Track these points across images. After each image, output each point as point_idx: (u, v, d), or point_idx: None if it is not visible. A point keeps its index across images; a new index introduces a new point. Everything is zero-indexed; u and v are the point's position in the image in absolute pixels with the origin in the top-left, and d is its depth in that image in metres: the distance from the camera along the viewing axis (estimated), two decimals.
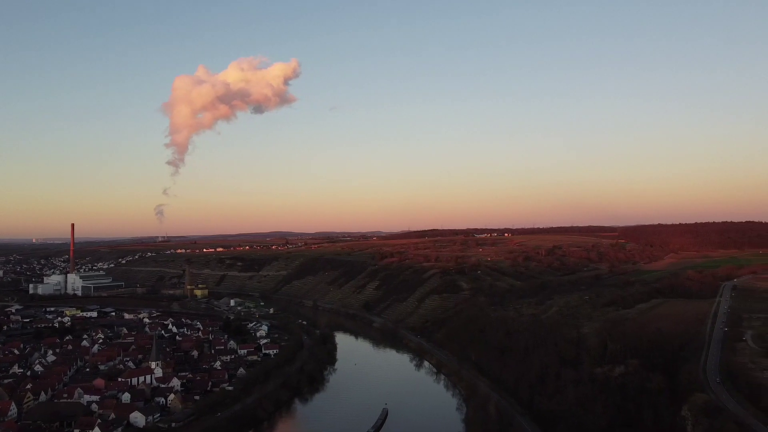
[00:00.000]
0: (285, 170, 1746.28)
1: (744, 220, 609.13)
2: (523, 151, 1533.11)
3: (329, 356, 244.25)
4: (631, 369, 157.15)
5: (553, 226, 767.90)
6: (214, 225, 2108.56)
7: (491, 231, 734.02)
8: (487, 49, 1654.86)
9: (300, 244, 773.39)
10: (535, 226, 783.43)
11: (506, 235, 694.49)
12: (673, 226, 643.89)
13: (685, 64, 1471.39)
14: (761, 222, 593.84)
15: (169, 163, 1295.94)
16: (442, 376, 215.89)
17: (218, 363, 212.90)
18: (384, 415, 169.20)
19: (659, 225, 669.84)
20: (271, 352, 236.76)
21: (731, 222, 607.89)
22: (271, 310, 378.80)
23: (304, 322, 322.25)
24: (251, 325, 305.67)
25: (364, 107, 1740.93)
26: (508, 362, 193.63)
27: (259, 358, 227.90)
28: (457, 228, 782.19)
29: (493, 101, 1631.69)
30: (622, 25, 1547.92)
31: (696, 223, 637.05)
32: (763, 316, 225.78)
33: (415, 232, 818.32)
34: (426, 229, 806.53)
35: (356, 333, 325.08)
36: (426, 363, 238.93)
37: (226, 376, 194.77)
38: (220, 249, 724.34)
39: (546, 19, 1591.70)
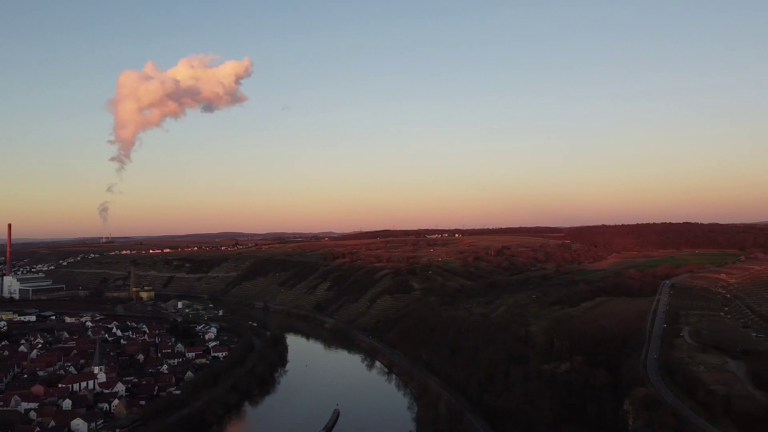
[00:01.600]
0: (235, 170, 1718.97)
1: (682, 221, 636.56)
2: (473, 153, 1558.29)
3: (280, 358, 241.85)
4: (576, 365, 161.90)
5: (503, 226, 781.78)
6: (161, 225, 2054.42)
7: (442, 232, 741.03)
8: (441, 50, 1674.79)
9: (250, 245, 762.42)
10: (485, 227, 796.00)
11: (457, 235, 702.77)
12: (616, 227, 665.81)
13: (627, 65, 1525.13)
14: (697, 223, 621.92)
15: (113, 159, 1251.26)
16: (394, 376, 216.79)
17: (165, 367, 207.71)
18: (335, 416, 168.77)
19: (603, 226, 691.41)
20: (220, 354, 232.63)
21: (670, 223, 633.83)
22: (221, 312, 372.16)
23: (255, 324, 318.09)
24: (200, 327, 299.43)
25: (316, 108, 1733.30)
26: (458, 361, 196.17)
27: (207, 361, 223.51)
28: (408, 228, 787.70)
29: (445, 103, 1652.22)
30: (568, 26, 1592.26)
31: (637, 224, 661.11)
32: (699, 312, 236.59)
33: (367, 232, 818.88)
34: (378, 229, 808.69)
35: (308, 334, 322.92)
36: (378, 363, 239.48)
37: (174, 380, 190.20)
38: (167, 250, 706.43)
39: (494, 18, 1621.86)
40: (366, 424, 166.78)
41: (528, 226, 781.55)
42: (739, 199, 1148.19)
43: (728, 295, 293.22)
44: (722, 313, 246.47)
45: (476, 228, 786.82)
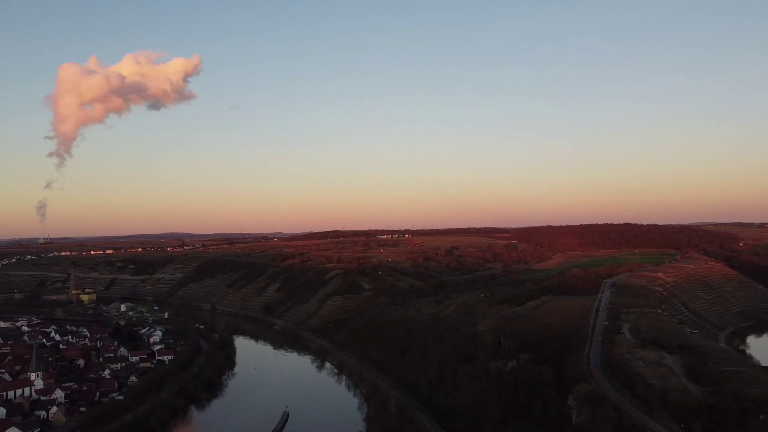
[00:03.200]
0: (181, 169, 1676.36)
1: (622, 222, 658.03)
2: (423, 154, 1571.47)
3: (228, 361, 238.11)
4: (522, 363, 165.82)
5: (452, 227, 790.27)
6: (103, 226, 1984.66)
7: (392, 232, 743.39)
8: (394, 50, 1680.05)
9: (197, 246, 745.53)
10: (435, 228, 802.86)
11: (407, 236, 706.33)
12: (560, 227, 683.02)
13: (568, 69, 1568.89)
14: (637, 224, 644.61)
15: (52, 154, 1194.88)
16: (344, 377, 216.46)
17: (107, 372, 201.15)
18: (285, 418, 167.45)
19: (548, 227, 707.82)
20: (165, 358, 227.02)
21: (611, 224, 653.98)
22: (166, 315, 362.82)
23: (202, 327, 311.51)
24: (144, 330, 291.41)
25: (267, 107, 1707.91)
26: (408, 360, 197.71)
27: (152, 365, 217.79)
28: (359, 229, 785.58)
29: (395, 104, 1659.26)
30: (514, 25, 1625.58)
31: (581, 224, 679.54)
32: (638, 310, 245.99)
33: (317, 233, 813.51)
34: (328, 230, 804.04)
35: (257, 336, 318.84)
36: (328, 364, 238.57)
37: (116, 385, 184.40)
38: (109, 251, 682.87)
39: (448, 17, 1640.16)
40: (316, 425, 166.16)
41: (476, 226, 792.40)
42: (676, 201, 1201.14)
43: (665, 293, 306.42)
44: (659, 310, 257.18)
45: (426, 228, 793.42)
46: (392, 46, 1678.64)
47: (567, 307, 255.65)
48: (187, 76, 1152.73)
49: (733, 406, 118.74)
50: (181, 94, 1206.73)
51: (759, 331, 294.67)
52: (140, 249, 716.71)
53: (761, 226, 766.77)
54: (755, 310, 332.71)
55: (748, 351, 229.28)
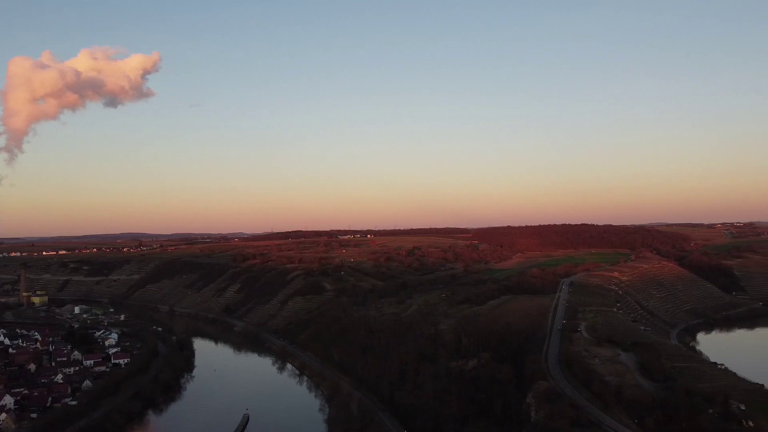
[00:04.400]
0: (138, 167, 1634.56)
1: (579, 223, 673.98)
2: (384, 154, 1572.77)
3: (187, 363, 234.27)
4: (483, 362, 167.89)
5: (413, 227, 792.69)
6: (55, 225, 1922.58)
7: (354, 232, 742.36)
8: (354, 50, 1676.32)
9: (155, 246, 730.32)
10: (397, 228, 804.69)
11: (369, 236, 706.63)
12: (520, 228, 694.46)
13: (528, 69, 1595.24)
14: (593, 224, 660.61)
15: (1, 149, 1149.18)
16: (305, 378, 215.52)
17: (60, 376, 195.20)
18: (245, 421, 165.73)
19: (508, 227, 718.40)
20: (121, 361, 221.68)
21: (569, 224, 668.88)
22: (122, 317, 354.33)
23: (159, 329, 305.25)
24: (99, 333, 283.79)
25: (227, 106, 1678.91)
26: (370, 360, 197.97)
27: (108, 369, 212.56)
28: (321, 229, 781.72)
29: (356, 104, 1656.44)
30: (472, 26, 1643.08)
31: (540, 225, 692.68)
32: (595, 308, 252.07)
33: (278, 233, 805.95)
34: (290, 230, 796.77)
35: (216, 338, 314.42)
36: (289, 365, 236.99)
37: (70, 390, 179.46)
38: (62, 252, 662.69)
39: (404, 16, 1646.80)
40: (277, 427, 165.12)
41: (438, 227, 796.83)
42: (631, 202, 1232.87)
43: (620, 292, 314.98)
44: (615, 309, 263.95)
45: (388, 229, 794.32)
46: (355, 45, 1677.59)
47: (526, 306, 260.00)
48: (145, 73, 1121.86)
49: (684, 401, 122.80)
50: (139, 92, 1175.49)
51: (708, 328, 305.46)
52: (95, 250, 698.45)
53: (710, 226, 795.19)
54: (705, 308, 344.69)
55: (698, 347, 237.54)
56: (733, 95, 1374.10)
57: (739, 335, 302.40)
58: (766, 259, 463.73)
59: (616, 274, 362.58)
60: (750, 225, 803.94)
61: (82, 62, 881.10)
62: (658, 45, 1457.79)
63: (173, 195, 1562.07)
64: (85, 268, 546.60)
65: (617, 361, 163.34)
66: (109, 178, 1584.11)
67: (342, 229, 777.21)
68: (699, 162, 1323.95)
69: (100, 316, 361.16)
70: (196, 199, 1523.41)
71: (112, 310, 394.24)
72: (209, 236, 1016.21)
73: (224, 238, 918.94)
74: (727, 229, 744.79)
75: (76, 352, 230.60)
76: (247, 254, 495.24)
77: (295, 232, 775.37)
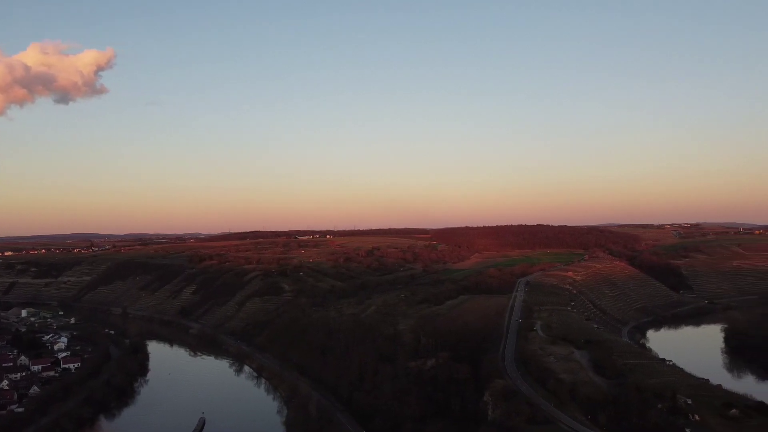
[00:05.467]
0: (91, 166, 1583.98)
1: (535, 224, 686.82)
2: (343, 155, 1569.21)
3: (140, 367, 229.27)
4: (441, 361, 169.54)
5: (373, 228, 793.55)
6: (1, 225, 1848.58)
7: (313, 233, 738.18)
8: (314, 49, 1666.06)
9: (107, 247, 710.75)
10: (356, 228, 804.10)
11: (328, 236, 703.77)
12: (477, 228, 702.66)
13: (487, 67, 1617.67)
14: (549, 225, 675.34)
15: None
16: (263, 380, 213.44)
17: (5, 382, 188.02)
18: (201, 425, 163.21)
19: (466, 227, 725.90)
20: (71, 366, 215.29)
21: (525, 225, 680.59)
22: (73, 320, 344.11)
23: (112, 332, 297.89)
24: (48, 337, 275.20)
25: (185, 105, 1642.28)
26: (329, 361, 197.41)
27: (57, 374, 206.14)
28: (279, 230, 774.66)
29: (314, 104, 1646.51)
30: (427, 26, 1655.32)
31: (497, 226, 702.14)
32: (550, 307, 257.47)
33: (235, 233, 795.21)
34: (248, 230, 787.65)
35: (172, 340, 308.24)
36: (246, 367, 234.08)
37: (16, 397, 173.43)
38: (9, 253, 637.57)
39: (364, 17, 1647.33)
40: (234, 430, 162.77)
41: (397, 227, 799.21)
42: (584, 203, 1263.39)
43: (574, 291, 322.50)
44: (569, 308, 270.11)
45: (347, 229, 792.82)
46: (317, 45, 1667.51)
47: (484, 305, 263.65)
48: (99, 70, 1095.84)
49: (635, 397, 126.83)
50: (92, 88, 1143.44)
51: (657, 326, 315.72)
52: (44, 251, 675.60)
53: (660, 227, 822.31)
54: (654, 306, 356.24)
55: (647, 344, 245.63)
56: (682, 102, 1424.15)
57: (686, 332, 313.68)
58: (712, 258, 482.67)
59: (570, 273, 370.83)
60: (697, 226, 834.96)
61: (31, 56, 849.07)
62: (614, 45, 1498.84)
63: (127, 195, 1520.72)
64: (33, 269, 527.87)
65: (571, 358, 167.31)
66: (59, 176, 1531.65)
67: (301, 229, 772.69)
68: (650, 165, 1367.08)
69: (48, 320, 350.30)
70: (151, 199, 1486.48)
71: (61, 313, 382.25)
72: (164, 237, 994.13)
73: (180, 239, 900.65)
74: (675, 230, 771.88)
75: (23, 357, 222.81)
76: (204, 255, 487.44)
77: (253, 232, 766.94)
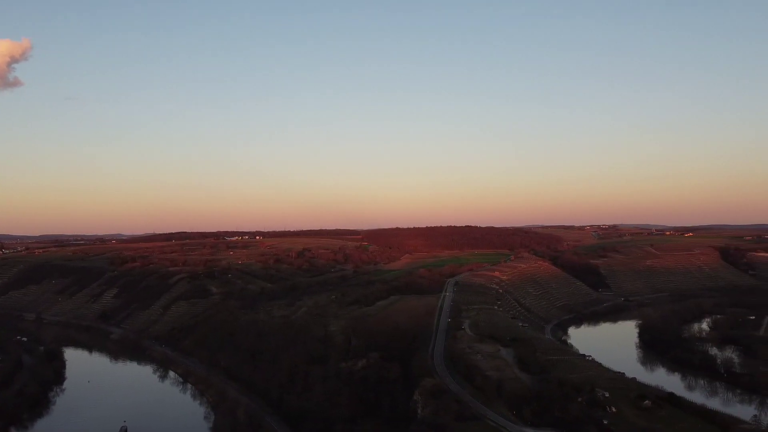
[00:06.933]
0: (1, 163, 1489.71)
1: (464, 225, 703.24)
2: (273, 154, 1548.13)
3: (56, 375, 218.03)
4: (372, 362, 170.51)
5: (304, 229, 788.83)
6: None
7: (243, 234, 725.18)
8: (242, 45, 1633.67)
9: (20, 249, 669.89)
10: (287, 229, 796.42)
11: (258, 237, 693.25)
12: (408, 229, 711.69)
13: (414, 67, 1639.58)
14: (477, 226, 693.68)
15: None
16: (190, 386, 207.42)
17: None
18: None
19: (397, 228, 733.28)
20: None
21: (454, 226, 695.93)
22: None
23: (25, 339, 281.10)
24: None
25: (106, 100, 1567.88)
26: (258, 365, 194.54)
27: None
28: (207, 230, 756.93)
29: (244, 102, 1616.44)
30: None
31: (427, 227, 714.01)
32: (478, 306, 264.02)
33: (160, 234, 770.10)
34: (173, 231, 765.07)
35: (91, 347, 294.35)
36: (172, 373, 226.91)
37: None
38: None
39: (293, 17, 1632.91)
40: None
41: (328, 228, 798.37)
42: (511, 205, 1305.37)
43: (501, 291, 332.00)
44: (496, 307, 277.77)
45: (277, 230, 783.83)
46: (246, 40, 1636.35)
47: (414, 306, 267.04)
48: (13, 61, 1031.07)
49: (557, 392, 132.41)
50: (4, 80, 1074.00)
51: (578, 323, 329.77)
52: None
53: (581, 228, 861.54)
54: (575, 304, 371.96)
55: (569, 341, 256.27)
56: (600, 110, 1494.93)
57: (605, 328, 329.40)
58: (628, 258, 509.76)
59: (497, 273, 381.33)
60: (614, 227, 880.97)
61: None
62: (538, 46, 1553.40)
63: (42, 193, 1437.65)
64: None
65: (498, 356, 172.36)
66: None
67: (229, 230, 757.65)
68: (572, 169, 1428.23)
69: None
70: (69, 198, 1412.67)
71: None
72: (83, 238, 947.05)
73: (100, 240, 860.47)
74: (594, 231, 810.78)
75: None
76: (126, 257, 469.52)
77: (179, 233, 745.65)
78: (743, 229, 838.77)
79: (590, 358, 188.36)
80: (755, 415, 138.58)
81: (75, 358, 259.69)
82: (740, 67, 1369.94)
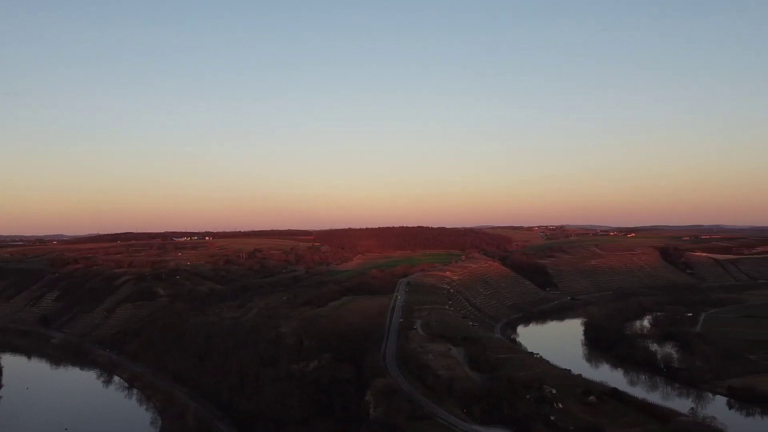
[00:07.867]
0: None
1: (416, 225, 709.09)
2: (224, 154, 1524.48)
3: None
4: (324, 363, 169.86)
5: (255, 229, 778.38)
6: None
7: (191, 234, 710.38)
8: (201, 44, 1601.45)
9: None
10: (237, 230, 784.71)
11: (207, 238, 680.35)
12: (360, 230, 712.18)
13: (364, 68, 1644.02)
14: (429, 227, 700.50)
15: None
16: (136, 390, 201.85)
17: None
18: None
19: (349, 229, 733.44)
20: None
21: (406, 227, 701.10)
22: None
23: None
24: None
25: (49, 95, 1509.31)
26: (207, 368, 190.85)
27: None
28: (153, 231, 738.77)
29: (195, 102, 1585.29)
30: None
31: (379, 227, 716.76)
32: (429, 306, 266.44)
33: (105, 235, 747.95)
34: (118, 232, 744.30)
35: (30, 352, 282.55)
36: (117, 378, 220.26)
37: None
38: None
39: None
40: None
41: (280, 228, 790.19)
42: (462, 206, 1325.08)
43: (452, 290, 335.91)
44: (447, 306, 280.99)
45: (228, 231, 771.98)
46: (194, 39, 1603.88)
47: (367, 306, 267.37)
48: None
49: (506, 389, 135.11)
50: None
51: (527, 322, 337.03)
52: None
53: (529, 229, 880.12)
54: (524, 303, 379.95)
55: (518, 339, 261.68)
56: (548, 115, 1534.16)
57: (552, 327, 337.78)
58: (574, 258, 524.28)
59: (448, 273, 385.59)
60: (561, 228, 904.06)
61: None
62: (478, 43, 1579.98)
63: None
64: None
65: (449, 355, 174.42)
66: None
67: (177, 230, 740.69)
68: (519, 171, 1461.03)
69: None
70: (5, 197, 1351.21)
71: None
72: (22, 239, 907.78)
73: (40, 241, 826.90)
74: (542, 231, 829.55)
75: None
76: (68, 258, 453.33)
77: (124, 234, 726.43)
78: (681, 229, 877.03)
79: (538, 356, 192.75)
80: (692, 408, 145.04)
81: (13, 364, 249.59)
82: (687, 71, 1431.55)
